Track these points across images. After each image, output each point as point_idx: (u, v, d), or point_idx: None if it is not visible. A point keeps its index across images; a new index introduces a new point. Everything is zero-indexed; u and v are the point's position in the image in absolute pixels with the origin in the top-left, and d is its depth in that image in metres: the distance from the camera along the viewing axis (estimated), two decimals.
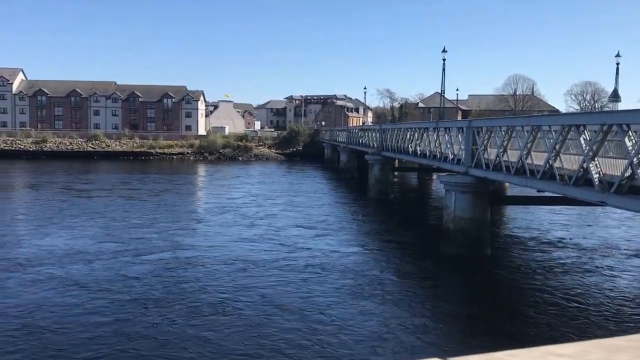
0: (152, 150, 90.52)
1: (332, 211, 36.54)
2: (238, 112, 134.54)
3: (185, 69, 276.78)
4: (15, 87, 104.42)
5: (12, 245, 24.14)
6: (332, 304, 16.70)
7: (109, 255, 22.22)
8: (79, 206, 36.48)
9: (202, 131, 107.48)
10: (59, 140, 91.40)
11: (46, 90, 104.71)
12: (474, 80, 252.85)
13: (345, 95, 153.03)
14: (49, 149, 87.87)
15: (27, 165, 72.67)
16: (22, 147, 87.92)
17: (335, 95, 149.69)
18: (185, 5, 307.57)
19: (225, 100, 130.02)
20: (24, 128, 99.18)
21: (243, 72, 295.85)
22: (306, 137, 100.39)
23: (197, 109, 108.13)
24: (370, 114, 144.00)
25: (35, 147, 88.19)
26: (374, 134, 47.80)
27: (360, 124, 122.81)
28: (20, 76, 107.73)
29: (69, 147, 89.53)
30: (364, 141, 52.57)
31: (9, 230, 28.00)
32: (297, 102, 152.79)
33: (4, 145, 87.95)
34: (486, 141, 22.06)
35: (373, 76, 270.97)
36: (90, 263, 20.97)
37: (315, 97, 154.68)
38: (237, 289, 17.98)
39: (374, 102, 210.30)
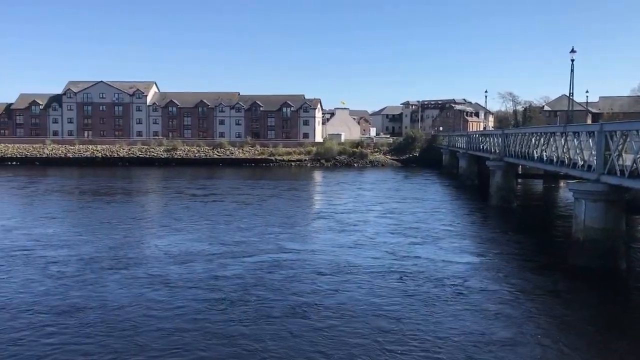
0: (272, 158, 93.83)
1: (450, 219, 35.70)
2: (354, 119, 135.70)
3: (303, 78, 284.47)
4: (149, 99, 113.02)
5: (128, 246, 25.97)
6: (445, 318, 16.13)
7: (213, 256, 23.45)
8: (198, 209, 38.67)
9: (319, 138, 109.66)
10: (188, 148, 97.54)
11: (176, 102, 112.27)
12: (606, 81, 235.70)
13: (464, 100, 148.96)
14: (178, 157, 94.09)
15: (159, 171, 78.28)
16: (155, 154, 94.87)
17: (453, 99, 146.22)
18: (302, 17, 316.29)
19: (341, 108, 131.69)
20: (156, 137, 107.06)
21: (359, 79, 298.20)
22: (423, 143, 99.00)
23: (314, 116, 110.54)
24: (491, 118, 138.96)
25: (167, 154, 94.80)
26: (495, 139, 46.10)
27: (481, 128, 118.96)
28: (154, 89, 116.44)
29: (196, 155, 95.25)
30: (484, 146, 50.87)
31: (130, 231, 30.18)
32: (413, 107, 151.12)
33: (140, 152, 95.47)
34: (621, 146, 20.55)
35: (494, 79, 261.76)
36: (191, 263, 22.26)
37: (432, 102, 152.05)
38: (339, 297, 18.03)
39: (495, 105, 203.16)
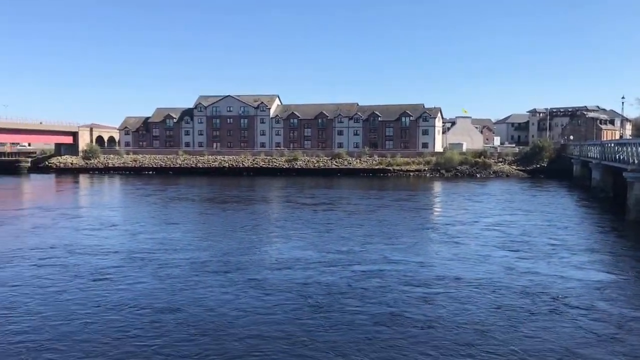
0: (390, 168, 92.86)
1: (580, 233, 32.66)
2: (476, 127, 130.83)
3: (423, 87, 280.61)
4: (272, 111, 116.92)
5: (237, 251, 26.38)
6: (542, 335, 14.89)
7: (313, 264, 23.33)
8: (310, 218, 38.67)
9: (438, 148, 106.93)
10: (307, 158, 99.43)
11: (297, 114, 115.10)
12: None
13: (597, 107, 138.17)
14: (298, 167, 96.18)
15: (280, 180, 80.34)
16: (277, 165, 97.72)
17: (585, 106, 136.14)
18: (421, 28, 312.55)
19: (463, 116, 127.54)
20: (278, 148, 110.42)
21: (482, 86, 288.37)
22: (551, 153, 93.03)
23: (434, 126, 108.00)
24: (628, 126, 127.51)
25: (288, 164, 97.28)
26: (634, 148, 41.73)
27: (617, 137, 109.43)
28: (277, 102, 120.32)
29: (315, 165, 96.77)
30: (621, 157, 46.29)
31: (243, 237, 30.64)
32: (540, 115, 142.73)
33: (263, 163, 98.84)
34: None
35: (631, 84, 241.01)
36: (290, 270, 22.35)
37: (561, 110, 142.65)
38: (430, 309, 17.36)
39: (632, 112, 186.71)
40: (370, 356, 13.73)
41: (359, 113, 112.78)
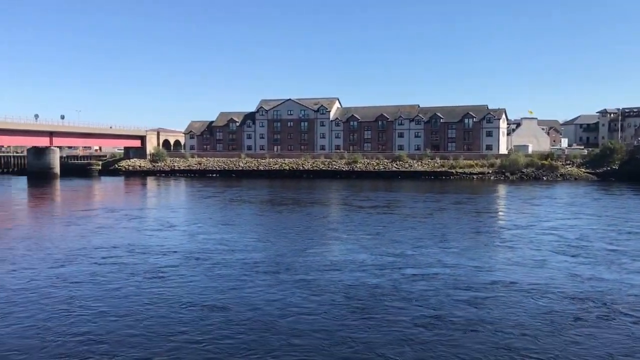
0: (453, 170, 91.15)
1: None
2: (542, 129, 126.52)
3: (487, 88, 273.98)
4: (332, 114, 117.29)
5: (290, 253, 26.56)
6: (587, 342, 14.37)
7: (363, 266, 23.09)
8: (367, 220, 38.56)
9: (503, 150, 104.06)
10: (367, 161, 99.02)
11: (357, 116, 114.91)
12: None
13: None
14: (358, 169, 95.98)
15: (340, 183, 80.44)
16: (337, 167, 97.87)
17: None
18: (485, 26, 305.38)
19: (529, 118, 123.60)
20: (338, 150, 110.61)
21: (549, 87, 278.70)
22: (623, 155, 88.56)
23: (498, 127, 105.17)
24: None
25: (347, 167, 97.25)
26: None
27: None
28: (336, 104, 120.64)
29: (375, 168, 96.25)
30: None
31: (297, 239, 30.84)
32: (612, 115, 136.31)
33: (322, 165, 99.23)
34: None
35: None
36: (337, 272, 22.33)
37: (635, 110, 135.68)
38: (476, 312, 16.83)
39: None
40: (406, 356, 13.63)
41: (420, 115, 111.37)
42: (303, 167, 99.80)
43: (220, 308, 17.67)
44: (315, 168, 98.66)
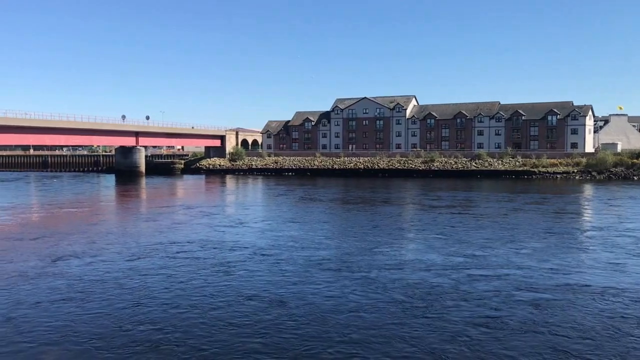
0: (535, 169, 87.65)
1: None
2: (634, 126, 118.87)
3: (571, 84, 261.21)
4: (408, 112, 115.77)
5: (356, 251, 26.40)
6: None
7: (428, 266, 22.58)
8: (440, 220, 37.73)
9: (589, 148, 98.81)
10: (445, 159, 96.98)
11: (434, 114, 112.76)
12: None
13: None
14: (435, 168, 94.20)
15: (416, 182, 79.29)
16: (413, 166, 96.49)
17: None
18: (572, 19, 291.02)
19: (618, 114, 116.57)
20: (414, 149, 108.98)
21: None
22: None
23: (584, 125, 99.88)
24: None
25: (424, 166, 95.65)
26: None
27: None
28: (413, 102, 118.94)
29: (453, 166, 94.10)
30: None
31: (365, 237, 30.61)
32: None
33: (398, 164, 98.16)
34: None
35: None
36: (399, 270, 21.77)
37: None
38: (536, 314, 15.98)
39: None
40: (462, 356, 13.44)
41: (500, 112, 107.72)
42: (378, 165, 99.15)
43: (281, 302, 17.97)
44: (390, 167, 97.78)
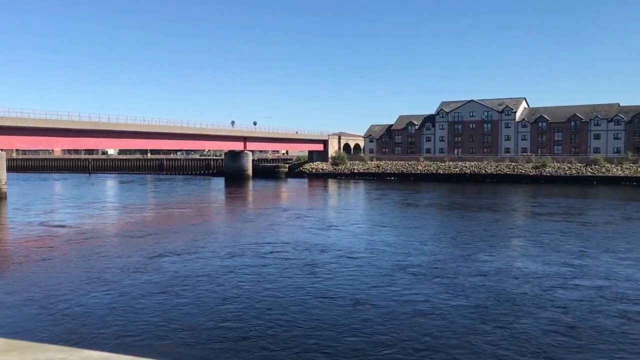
0: None
1: None
2: None
3: None
4: (518, 115, 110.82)
5: (447, 258, 25.54)
6: None
7: (513, 274, 21.38)
8: (539, 229, 35.72)
9: None
10: (558, 165, 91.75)
11: (546, 117, 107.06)
12: None
13: None
14: (547, 174, 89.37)
15: (526, 188, 75.65)
16: (523, 171, 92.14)
17: None
18: None
19: None
20: (524, 153, 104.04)
21: None
22: None
23: None
24: None
25: (535, 171, 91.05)
26: None
27: None
28: (523, 104, 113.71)
29: (567, 172, 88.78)
30: None
31: (462, 244, 29.60)
32: None
33: (507, 169, 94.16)
34: None
35: None
36: (486, 276, 20.85)
37: None
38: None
39: None
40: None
41: (620, 114, 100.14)
42: (485, 171, 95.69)
43: (361, 304, 17.92)
44: (498, 172, 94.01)
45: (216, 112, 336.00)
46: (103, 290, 19.75)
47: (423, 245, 29.11)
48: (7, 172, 59.83)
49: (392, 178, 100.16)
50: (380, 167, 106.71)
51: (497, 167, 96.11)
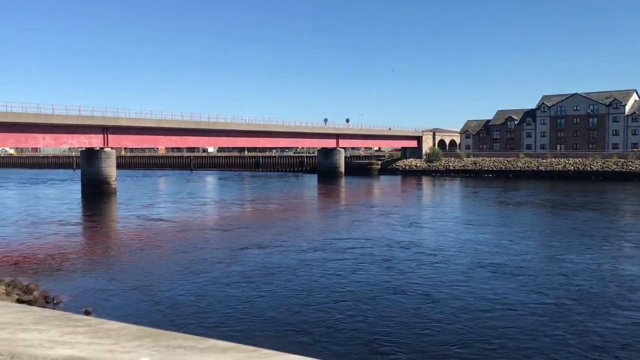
0: None
1: None
2: None
3: None
4: (628, 108, 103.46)
5: (529, 257, 24.37)
6: None
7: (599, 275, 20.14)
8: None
9: None
10: None
11: None
12: None
13: None
14: None
15: (638, 186, 70.48)
16: (633, 168, 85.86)
17: None
18: None
19: None
20: (635, 149, 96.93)
21: None
22: None
23: None
24: None
25: None
26: None
27: None
28: (634, 97, 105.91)
29: None
30: None
31: (547, 244, 28.23)
32: None
33: (615, 166, 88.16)
34: None
35: None
36: (566, 277, 19.84)
37: None
38: None
39: None
40: None
41: None
42: (591, 167, 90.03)
43: (434, 300, 17.79)
44: (605, 169, 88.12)
45: (309, 111, 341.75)
46: (194, 279, 20.96)
47: (513, 244, 28.10)
48: (116, 169, 64.24)
49: (490, 175, 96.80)
50: (477, 164, 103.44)
51: (603, 163, 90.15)
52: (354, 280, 20.49)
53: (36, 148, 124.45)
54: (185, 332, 2.10)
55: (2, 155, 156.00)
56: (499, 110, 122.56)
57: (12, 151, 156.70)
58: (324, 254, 25.68)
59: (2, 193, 65.23)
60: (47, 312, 2.11)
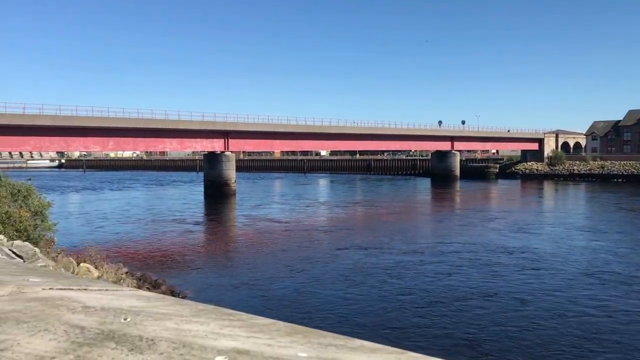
0: None
1: None
2: None
3: None
4: None
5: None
6: None
7: None
8: None
9: None
10: None
11: None
12: None
13: None
14: None
15: None
16: None
17: None
18: None
19: None
20: None
21: None
22: None
23: None
24: None
25: None
26: None
27: None
28: None
29: None
30: None
31: None
32: None
33: None
34: None
35: None
36: None
37: None
38: None
39: None
40: None
41: None
42: None
43: (529, 304, 17.47)
44: None
45: (423, 114, 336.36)
46: (298, 277, 21.96)
47: (632, 253, 26.39)
48: (235, 171, 67.31)
49: (620, 180, 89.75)
50: (605, 168, 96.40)
51: None
52: (447, 283, 20.51)
53: (163, 152, 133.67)
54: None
55: (133, 158, 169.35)
56: (630, 110, 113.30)
57: (142, 155, 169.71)
58: (423, 256, 25.74)
59: (133, 193, 70.72)
60: (201, 305, 2.21)
